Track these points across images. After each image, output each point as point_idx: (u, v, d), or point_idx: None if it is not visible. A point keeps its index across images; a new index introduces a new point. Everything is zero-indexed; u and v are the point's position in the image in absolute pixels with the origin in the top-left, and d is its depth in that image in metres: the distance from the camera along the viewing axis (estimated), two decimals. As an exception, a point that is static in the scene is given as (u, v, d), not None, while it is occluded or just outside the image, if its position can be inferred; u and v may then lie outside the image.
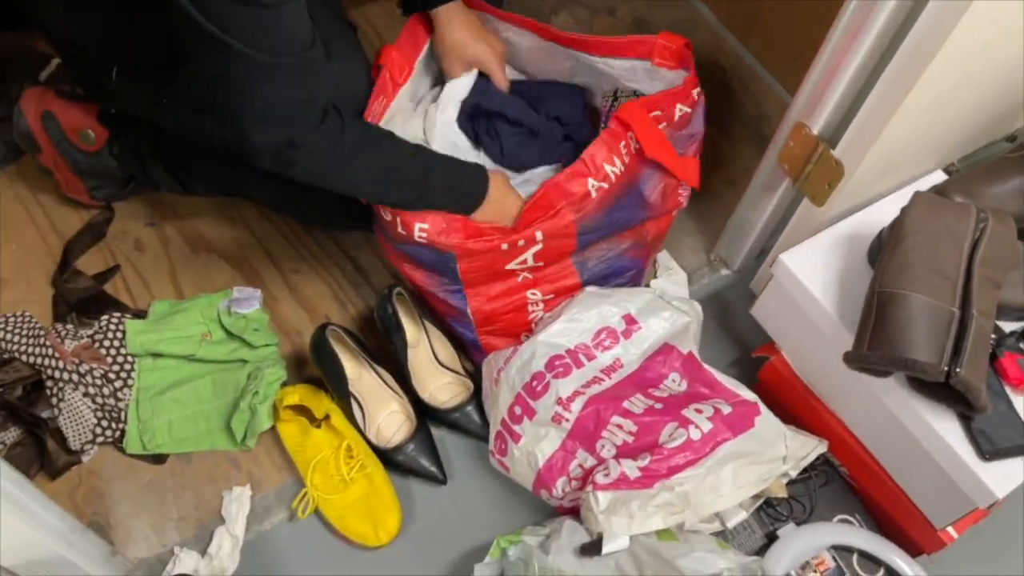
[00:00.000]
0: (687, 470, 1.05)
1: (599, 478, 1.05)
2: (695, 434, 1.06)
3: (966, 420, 1.02)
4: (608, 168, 1.12)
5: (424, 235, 1.10)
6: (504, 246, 1.12)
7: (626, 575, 1.00)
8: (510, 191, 1.16)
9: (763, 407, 1.12)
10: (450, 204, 1.11)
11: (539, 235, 1.12)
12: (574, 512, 1.12)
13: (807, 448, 1.12)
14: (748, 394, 1.14)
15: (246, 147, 0.95)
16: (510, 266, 1.16)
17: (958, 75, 0.98)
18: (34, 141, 1.31)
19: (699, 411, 1.09)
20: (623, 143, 1.14)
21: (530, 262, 1.16)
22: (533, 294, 1.20)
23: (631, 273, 1.28)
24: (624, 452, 1.09)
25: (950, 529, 1.11)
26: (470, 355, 1.30)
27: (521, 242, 1.12)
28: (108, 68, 1.14)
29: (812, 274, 1.13)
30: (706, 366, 1.17)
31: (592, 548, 1.03)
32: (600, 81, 1.33)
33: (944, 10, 0.88)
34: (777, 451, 1.10)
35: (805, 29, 1.56)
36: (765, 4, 1.64)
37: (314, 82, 0.94)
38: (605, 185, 1.12)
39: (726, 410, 1.09)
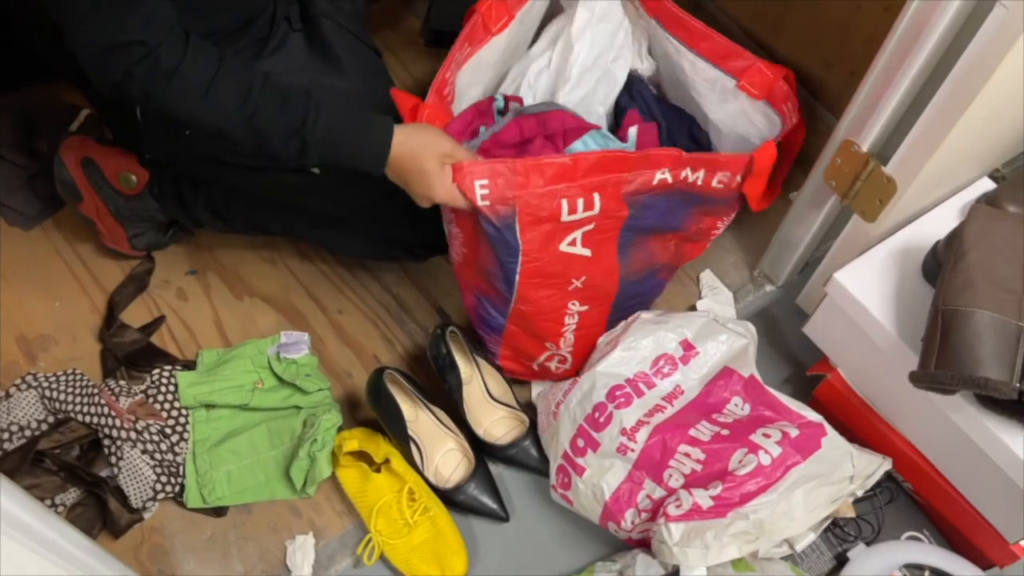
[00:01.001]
0: (760, 496, 1.04)
1: (671, 510, 1.04)
2: (765, 459, 1.06)
3: (1037, 434, 1.01)
4: (687, 174, 1.10)
5: (486, 193, 1.01)
6: (564, 204, 1.04)
7: (707, 610, 0.99)
8: (430, 154, 1.02)
9: (829, 427, 1.11)
10: (345, 156, 1.03)
11: (597, 200, 1.06)
12: (644, 544, 1.11)
13: (873, 466, 1.11)
14: (812, 415, 1.13)
15: (92, 81, 0.98)
16: (563, 246, 1.08)
17: (1019, 82, 0.96)
18: (75, 189, 1.31)
19: (767, 435, 1.08)
20: (727, 173, 1.14)
21: (579, 245, 1.09)
22: (573, 304, 1.18)
23: (652, 297, 1.29)
24: (693, 481, 1.08)
25: (1023, 542, 1.10)
26: (487, 347, 1.26)
27: (580, 202, 1.05)
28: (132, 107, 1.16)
29: (867, 291, 1.12)
30: (768, 388, 1.16)
31: (667, 583, 1.02)
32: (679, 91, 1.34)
33: (1011, 16, 0.86)
34: (845, 471, 1.09)
35: (831, 36, 1.56)
36: (789, 12, 1.63)
37: (134, 19, 0.94)
38: (669, 179, 1.10)
39: (793, 433, 1.08)
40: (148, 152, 1.29)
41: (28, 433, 1.17)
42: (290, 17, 1.25)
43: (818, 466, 1.07)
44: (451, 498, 1.18)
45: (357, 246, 1.34)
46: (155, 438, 1.18)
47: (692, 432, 1.11)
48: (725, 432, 1.10)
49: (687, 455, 1.09)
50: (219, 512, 1.20)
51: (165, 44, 0.95)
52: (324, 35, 1.26)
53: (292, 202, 1.27)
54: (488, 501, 1.18)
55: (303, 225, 1.33)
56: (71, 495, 1.17)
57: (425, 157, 1.02)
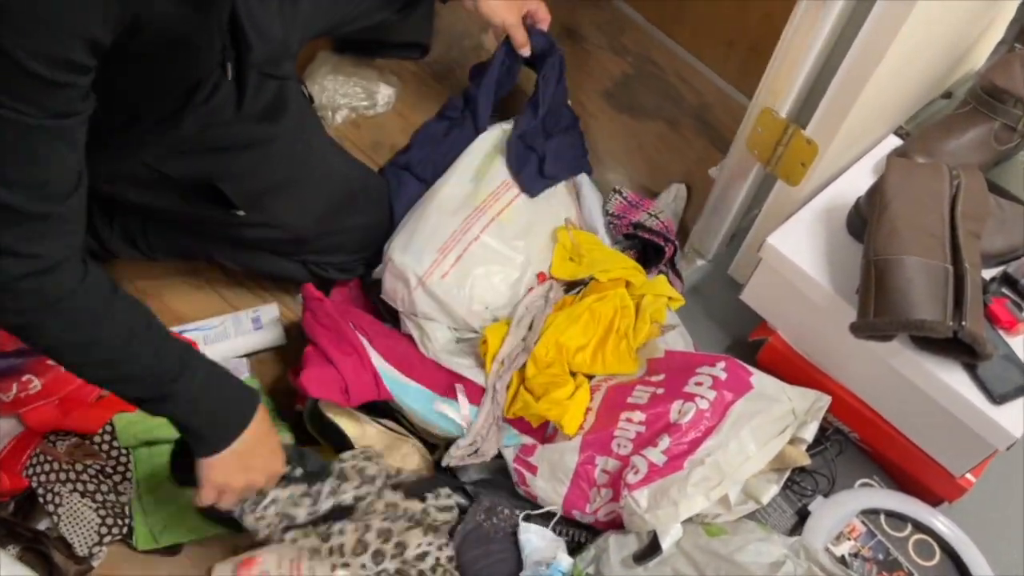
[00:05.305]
0: (708, 440, 1.06)
1: (630, 478, 1.05)
2: (703, 404, 1.09)
3: (971, 369, 1.06)
4: None
5: None
6: None
7: (687, 579, 1.00)
8: (264, 446, 0.97)
9: (753, 368, 1.15)
10: (202, 425, 0.92)
11: None
12: (612, 526, 1.11)
13: (809, 400, 1.14)
14: (734, 360, 1.16)
15: None
16: None
17: (920, 39, 1.01)
18: None
19: (699, 383, 1.12)
20: None
21: None
22: None
23: None
24: (641, 442, 1.10)
25: (968, 475, 1.15)
26: None
27: None
28: None
29: (799, 252, 1.15)
30: (682, 350, 1.22)
31: (648, 552, 1.02)
32: None
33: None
34: (784, 405, 1.11)
35: (730, 15, 1.61)
36: (688, -1, 1.68)
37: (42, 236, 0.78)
38: None
39: (722, 376, 1.12)
40: None
41: (-47, 494, 1.10)
42: (225, 65, 1.17)
43: (756, 403, 1.10)
44: (418, 501, 1.16)
45: (281, 267, 1.31)
46: (95, 479, 1.12)
47: (630, 399, 1.14)
48: (660, 391, 1.14)
49: (629, 420, 1.12)
50: (172, 550, 1.14)
51: (65, 264, 0.80)
52: (257, 84, 1.19)
53: (213, 231, 1.23)
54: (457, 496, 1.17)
55: (224, 252, 1.29)
56: (10, 553, 1.09)
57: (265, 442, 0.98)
